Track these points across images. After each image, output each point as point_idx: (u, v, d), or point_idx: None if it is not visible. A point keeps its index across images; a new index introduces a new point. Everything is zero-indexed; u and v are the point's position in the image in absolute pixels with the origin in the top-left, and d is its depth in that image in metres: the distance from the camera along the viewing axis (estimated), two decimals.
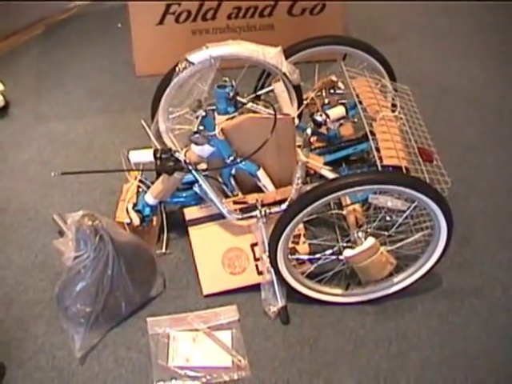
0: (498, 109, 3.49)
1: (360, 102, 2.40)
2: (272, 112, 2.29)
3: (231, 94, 2.26)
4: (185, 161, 2.25)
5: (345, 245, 2.30)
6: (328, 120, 2.41)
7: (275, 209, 2.35)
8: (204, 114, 2.17)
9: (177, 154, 2.24)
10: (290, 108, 2.59)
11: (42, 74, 3.68)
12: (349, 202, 2.40)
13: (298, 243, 2.42)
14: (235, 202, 2.41)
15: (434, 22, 4.30)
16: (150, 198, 2.42)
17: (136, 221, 2.43)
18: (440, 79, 3.71)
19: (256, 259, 2.44)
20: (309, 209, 2.07)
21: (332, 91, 2.59)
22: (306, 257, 2.39)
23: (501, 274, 2.55)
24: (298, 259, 2.38)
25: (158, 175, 2.41)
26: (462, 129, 3.33)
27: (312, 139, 2.50)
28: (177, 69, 2.47)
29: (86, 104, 3.46)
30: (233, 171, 2.40)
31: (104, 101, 3.48)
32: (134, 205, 2.46)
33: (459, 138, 3.26)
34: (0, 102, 3.34)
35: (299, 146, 2.42)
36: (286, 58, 2.54)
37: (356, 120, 2.58)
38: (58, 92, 3.54)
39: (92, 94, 3.53)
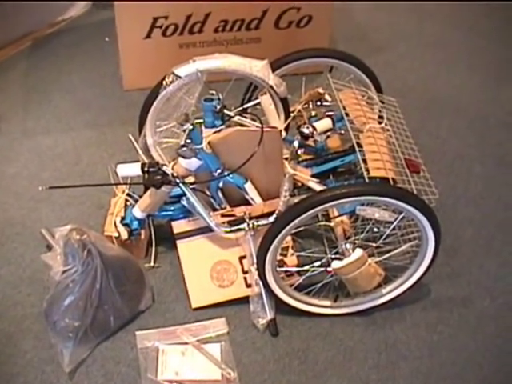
0: (485, 117, 3.52)
1: (347, 114, 2.41)
2: (259, 125, 2.29)
3: (218, 107, 2.26)
4: (172, 174, 2.25)
5: (333, 256, 2.31)
6: (315, 132, 2.42)
7: (263, 221, 2.35)
8: (191, 127, 2.17)
9: (164, 168, 2.24)
10: (277, 121, 2.60)
11: (30, 88, 3.68)
12: (336, 213, 2.40)
13: (286, 255, 2.43)
14: (223, 215, 2.41)
15: (420, 31, 4.34)
16: (137, 212, 2.42)
17: (124, 234, 2.43)
18: (427, 89, 3.74)
19: (244, 272, 2.44)
20: (296, 221, 2.08)
21: (319, 103, 2.60)
22: (294, 269, 2.39)
23: (489, 284, 2.57)
24: (286, 271, 2.38)
25: (146, 189, 2.41)
26: (449, 138, 3.35)
27: (299, 151, 2.51)
28: (164, 82, 2.47)
29: (74, 118, 3.45)
30: (220, 184, 2.40)
31: (92, 115, 3.48)
32: (122, 218, 2.46)
33: (446, 148, 3.28)
34: None
35: (286, 159, 2.42)
36: (273, 71, 2.54)
37: (343, 132, 2.59)
38: (46, 106, 3.54)
39: (80, 108, 3.53)
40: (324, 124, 2.48)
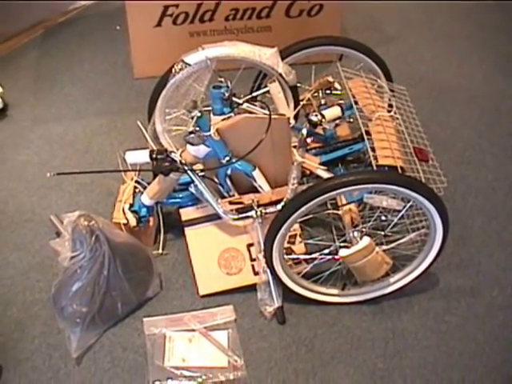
0: (496, 108, 3.49)
1: (356, 103, 2.40)
2: (267, 112, 2.29)
3: (226, 95, 2.26)
4: (180, 161, 2.25)
5: (341, 244, 2.30)
6: (323, 120, 2.41)
7: (271, 209, 2.35)
8: (199, 114, 2.17)
9: (172, 155, 2.25)
10: (285, 109, 2.59)
11: (41, 76, 3.69)
12: (344, 201, 2.40)
13: (294, 243, 2.43)
14: (231, 203, 2.41)
15: (432, 22, 4.31)
16: (146, 199, 2.43)
17: (132, 221, 2.44)
18: (438, 79, 3.71)
19: (252, 259, 2.44)
20: (303, 208, 2.07)
21: (328, 92, 2.59)
22: (302, 256, 2.39)
23: (498, 274, 2.56)
24: (293, 259, 2.38)
25: (155, 176, 2.42)
26: (459, 129, 3.33)
27: (308, 140, 2.50)
28: (173, 70, 2.47)
29: (84, 106, 3.47)
30: (228, 171, 2.40)
31: (102, 102, 3.49)
32: (131, 205, 2.47)
33: (457, 138, 3.26)
34: None
35: (295, 147, 2.42)
36: (283, 59, 2.54)
37: (352, 120, 2.58)
38: (57, 94, 3.55)
39: (90, 96, 3.54)
40: (333, 112, 2.46)
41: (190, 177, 2.31)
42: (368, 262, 2.18)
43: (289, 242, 2.40)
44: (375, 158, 2.17)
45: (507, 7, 4.48)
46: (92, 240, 2.14)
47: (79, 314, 2.22)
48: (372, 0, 4.47)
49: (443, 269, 2.53)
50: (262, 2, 3.49)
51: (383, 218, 2.31)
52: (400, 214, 2.22)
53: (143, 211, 2.47)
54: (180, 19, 3.46)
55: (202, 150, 2.28)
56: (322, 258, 2.32)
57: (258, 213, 2.35)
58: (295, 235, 2.44)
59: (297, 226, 2.43)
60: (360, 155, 2.68)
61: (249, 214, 2.37)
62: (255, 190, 2.43)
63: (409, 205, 2.17)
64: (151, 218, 2.55)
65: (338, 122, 2.52)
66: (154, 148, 2.37)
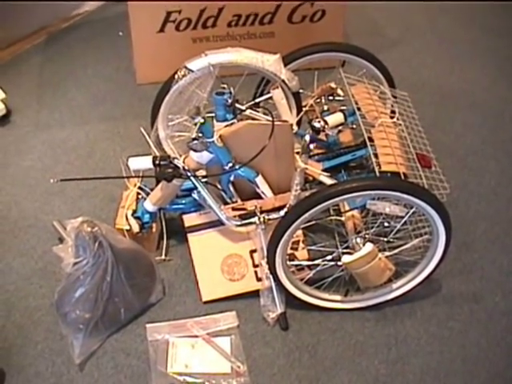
0: (500, 113, 3.49)
1: (359, 109, 2.40)
2: (270, 119, 2.29)
3: (229, 101, 2.25)
4: (183, 167, 2.26)
5: (343, 251, 2.30)
6: (326, 126, 2.41)
7: (274, 215, 2.35)
8: (202, 120, 2.17)
9: (175, 161, 2.25)
10: (288, 115, 2.59)
11: (44, 82, 3.69)
12: (347, 208, 2.40)
13: (296, 249, 2.43)
14: (234, 209, 2.41)
15: (434, 26, 4.31)
16: (149, 205, 2.43)
17: (135, 228, 2.44)
18: (440, 84, 3.71)
19: (255, 265, 2.45)
20: (306, 215, 2.07)
21: (331, 98, 2.59)
22: (304, 263, 2.39)
23: (501, 279, 2.56)
24: (296, 265, 2.38)
25: (158, 182, 2.42)
26: (462, 134, 3.33)
27: (311, 146, 2.50)
28: (176, 76, 2.47)
29: (87, 111, 3.47)
30: (231, 178, 2.40)
31: (105, 108, 3.49)
32: (134, 212, 2.47)
33: (460, 144, 3.26)
34: (1, 110, 3.34)
35: (298, 153, 2.42)
36: (285, 65, 2.54)
37: (355, 126, 2.58)
38: (60, 99, 3.55)
39: (93, 102, 3.54)
40: (336, 118, 2.46)
41: (193, 183, 2.31)
42: (371, 268, 2.18)
43: (292, 248, 2.40)
44: (378, 165, 2.17)
45: (508, 14, 4.48)
46: (95, 246, 2.14)
47: (82, 319, 2.22)
48: (374, 1, 4.48)
49: (446, 275, 2.53)
50: (264, 7, 3.49)
51: (386, 224, 2.31)
52: (403, 220, 2.22)
53: (146, 217, 2.47)
54: (183, 25, 3.47)
55: (205, 157, 2.29)
56: (324, 264, 2.32)
57: (261, 219, 2.36)
58: (298, 241, 2.44)
59: (300, 232, 2.43)
60: (363, 161, 2.68)
61: (252, 220, 2.37)
62: (258, 197, 2.43)
63: (412, 211, 2.18)
64: (154, 224, 2.56)
65: (340, 128, 2.51)
66: (157, 154, 2.37)
